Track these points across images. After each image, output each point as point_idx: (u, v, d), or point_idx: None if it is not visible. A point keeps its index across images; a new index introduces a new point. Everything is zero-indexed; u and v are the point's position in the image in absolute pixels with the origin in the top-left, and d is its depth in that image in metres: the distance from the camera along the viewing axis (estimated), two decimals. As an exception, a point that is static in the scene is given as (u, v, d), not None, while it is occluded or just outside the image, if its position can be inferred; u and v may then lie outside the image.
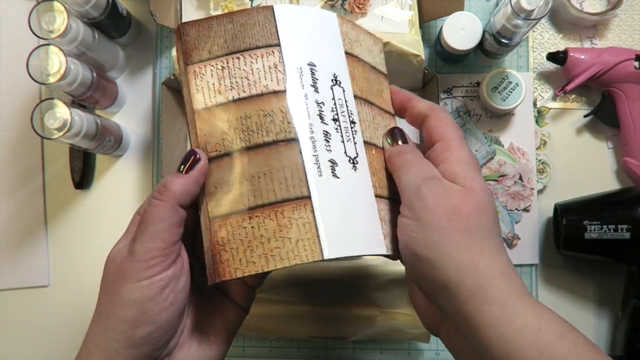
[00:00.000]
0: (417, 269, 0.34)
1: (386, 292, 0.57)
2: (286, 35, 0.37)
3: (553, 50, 0.64)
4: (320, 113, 0.36)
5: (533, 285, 0.63)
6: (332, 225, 0.34)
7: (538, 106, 0.65)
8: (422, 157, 0.37)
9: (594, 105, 0.65)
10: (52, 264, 0.65)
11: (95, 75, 0.58)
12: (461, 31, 0.59)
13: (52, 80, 0.53)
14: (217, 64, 0.36)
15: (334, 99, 0.37)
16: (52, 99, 0.54)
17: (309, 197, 0.34)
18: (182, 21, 0.60)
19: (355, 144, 0.37)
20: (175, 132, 0.62)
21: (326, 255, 0.33)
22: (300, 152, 0.34)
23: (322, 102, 0.36)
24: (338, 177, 0.35)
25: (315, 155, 0.35)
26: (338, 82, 0.38)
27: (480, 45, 0.62)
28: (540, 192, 0.64)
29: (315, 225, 0.33)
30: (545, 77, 0.66)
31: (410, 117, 0.40)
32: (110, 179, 0.66)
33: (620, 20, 0.66)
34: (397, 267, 0.56)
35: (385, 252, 0.36)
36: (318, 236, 0.33)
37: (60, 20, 0.53)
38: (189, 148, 0.37)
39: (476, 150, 0.64)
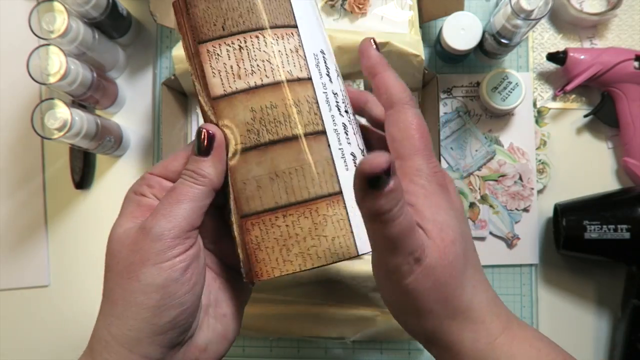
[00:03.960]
0: None
1: (386, 292, 0.57)
2: (301, 17, 0.33)
3: (553, 50, 0.64)
4: (337, 104, 0.34)
5: (533, 285, 0.63)
6: (360, 220, 0.33)
7: (538, 106, 0.65)
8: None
9: (593, 105, 0.65)
10: (52, 264, 0.65)
11: (95, 75, 0.58)
12: (461, 31, 0.59)
13: (52, 80, 0.53)
14: (233, 43, 0.32)
15: (342, 90, 0.35)
16: (52, 99, 0.54)
17: (340, 193, 0.32)
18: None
19: (359, 136, 0.35)
20: (175, 132, 0.62)
21: (360, 251, 0.32)
22: (329, 146, 0.33)
23: (336, 93, 0.34)
24: None
25: (340, 149, 0.33)
26: (339, 73, 0.35)
27: (480, 45, 0.62)
28: (540, 192, 0.64)
29: (349, 221, 0.32)
30: (545, 77, 0.66)
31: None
32: (110, 179, 0.66)
33: (620, 20, 0.66)
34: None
35: None
36: (352, 232, 0.32)
37: (60, 20, 0.53)
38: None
39: (476, 150, 0.64)
